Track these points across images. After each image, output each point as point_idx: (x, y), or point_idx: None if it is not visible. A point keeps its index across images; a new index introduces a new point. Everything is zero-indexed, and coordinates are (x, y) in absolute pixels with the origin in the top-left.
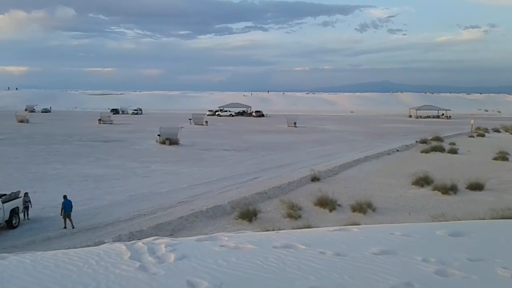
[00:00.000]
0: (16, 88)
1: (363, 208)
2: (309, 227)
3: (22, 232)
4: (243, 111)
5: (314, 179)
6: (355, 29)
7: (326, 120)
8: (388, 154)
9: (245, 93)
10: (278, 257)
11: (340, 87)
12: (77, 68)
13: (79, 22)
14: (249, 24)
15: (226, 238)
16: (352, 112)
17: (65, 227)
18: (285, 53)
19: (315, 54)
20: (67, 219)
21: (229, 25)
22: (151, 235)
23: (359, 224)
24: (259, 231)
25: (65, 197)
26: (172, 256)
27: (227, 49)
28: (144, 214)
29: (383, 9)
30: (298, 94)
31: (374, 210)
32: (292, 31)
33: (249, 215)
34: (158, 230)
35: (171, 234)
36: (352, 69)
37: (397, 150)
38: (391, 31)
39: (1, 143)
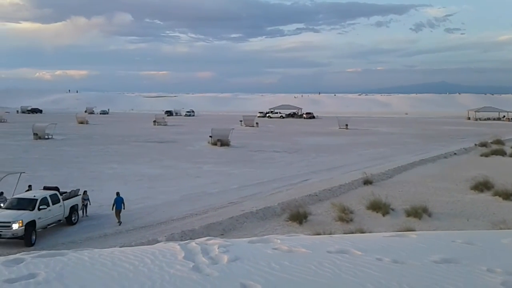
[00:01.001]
0: (77, 91)
1: (418, 213)
2: (362, 231)
3: (80, 228)
4: (294, 113)
5: (367, 182)
6: (410, 29)
7: (379, 122)
8: (445, 157)
9: (296, 95)
10: (332, 262)
11: (394, 88)
12: (133, 72)
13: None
14: (301, 25)
15: (279, 241)
16: (406, 114)
17: (119, 222)
18: (337, 54)
19: (368, 55)
20: (118, 214)
21: (281, 27)
22: (202, 235)
23: (414, 230)
24: (310, 234)
25: (117, 194)
26: (225, 258)
27: (278, 51)
28: (196, 214)
29: (440, 8)
30: (350, 95)
31: (430, 215)
32: (344, 32)
33: (299, 217)
34: (209, 229)
35: (221, 234)
36: (407, 69)
37: (455, 154)
38: (448, 30)
39: (63, 143)
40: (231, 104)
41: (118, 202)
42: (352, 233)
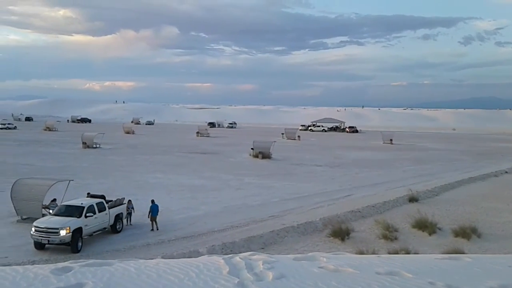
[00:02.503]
0: (123, 102)
1: (466, 233)
2: (407, 250)
3: (125, 237)
4: (336, 127)
5: (412, 199)
6: (459, 42)
7: (425, 138)
8: (495, 176)
9: (339, 108)
10: (382, 284)
11: (440, 103)
12: (178, 84)
13: (181, 40)
14: (345, 38)
15: (325, 259)
16: (454, 129)
17: (152, 229)
18: (382, 68)
19: (414, 69)
20: (154, 222)
21: (324, 40)
22: (242, 247)
23: (462, 251)
24: (353, 251)
25: (152, 201)
26: (270, 275)
27: (321, 64)
28: (237, 226)
29: (490, 21)
30: (395, 109)
31: (479, 236)
32: (389, 45)
33: (341, 234)
34: (250, 242)
35: (262, 248)
36: (454, 84)
37: (506, 172)
38: (499, 44)
39: (110, 152)
40: (273, 117)
41: (154, 210)
42: (397, 252)
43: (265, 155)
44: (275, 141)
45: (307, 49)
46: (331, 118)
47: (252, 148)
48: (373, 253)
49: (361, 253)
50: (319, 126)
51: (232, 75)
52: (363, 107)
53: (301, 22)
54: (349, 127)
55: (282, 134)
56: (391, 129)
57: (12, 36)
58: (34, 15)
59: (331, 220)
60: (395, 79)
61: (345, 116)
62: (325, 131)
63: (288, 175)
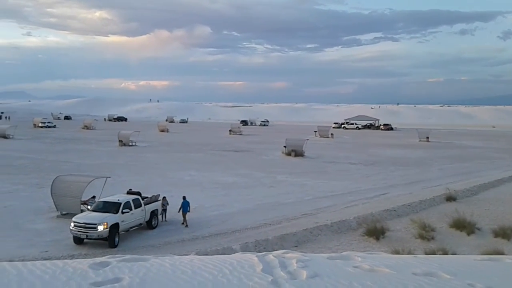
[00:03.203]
0: (157, 100)
1: (507, 233)
2: (444, 251)
3: (160, 232)
4: (370, 124)
5: (450, 198)
6: (498, 37)
7: (463, 135)
8: None
9: (373, 106)
10: (419, 285)
11: (479, 100)
12: (211, 82)
13: (214, 39)
14: (379, 34)
15: (360, 258)
16: (493, 126)
17: (184, 224)
18: (417, 64)
19: (451, 65)
20: (184, 218)
21: (358, 37)
22: (276, 245)
23: (502, 251)
24: (388, 251)
25: (184, 197)
26: (304, 273)
27: (355, 61)
28: (270, 224)
29: None
30: (431, 106)
31: None
32: (425, 40)
33: (376, 233)
34: (283, 240)
35: (295, 246)
36: (494, 80)
37: None
38: None
39: (145, 150)
40: (305, 114)
41: (185, 206)
42: (434, 252)
43: (298, 153)
44: (307, 139)
45: (340, 46)
46: (365, 116)
47: (284, 146)
48: (409, 253)
49: (397, 253)
50: (352, 124)
51: (264, 73)
52: (398, 104)
53: (334, 18)
54: (384, 124)
55: (315, 132)
56: (427, 126)
57: (51, 38)
58: (72, 17)
59: (366, 218)
60: (431, 76)
61: (380, 113)
62: (359, 128)
63: (321, 173)
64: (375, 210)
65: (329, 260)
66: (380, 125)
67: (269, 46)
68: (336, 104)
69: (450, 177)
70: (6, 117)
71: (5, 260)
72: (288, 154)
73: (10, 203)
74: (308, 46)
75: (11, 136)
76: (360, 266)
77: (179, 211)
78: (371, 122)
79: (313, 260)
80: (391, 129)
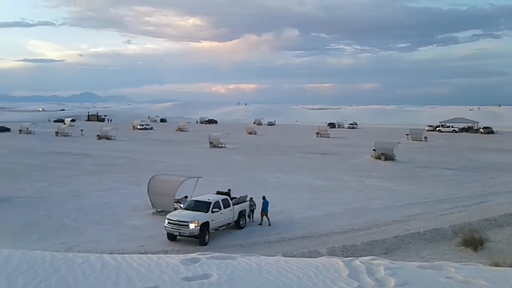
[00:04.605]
0: (245, 103)
1: None
2: None
3: (247, 233)
4: (469, 127)
5: None
6: None
7: None
8: None
9: (471, 107)
10: None
11: None
12: (298, 85)
13: (302, 42)
14: (478, 31)
15: (453, 269)
16: None
17: (264, 224)
18: None
19: None
20: (264, 217)
21: (454, 35)
22: (364, 251)
23: None
24: (487, 263)
25: (263, 197)
26: (392, 281)
27: (451, 60)
28: (358, 229)
29: None
30: None
31: None
32: None
33: (474, 243)
34: (372, 247)
35: (385, 253)
36: None
37: None
38: None
39: (234, 152)
40: (396, 117)
41: (265, 206)
42: None
43: (388, 157)
44: (399, 142)
45: (434, 45)
46: (462, 118)
47: (374, 149)
48: (511, 266)
49: (497, 265)
50: (448, 127)
51: (353, 75)
52: (499, 105)
53: (428, 16)
54: (484, 127)
55: (407, 135)
56: None
57: (148, 45)
58: (167, 25)
59: (462, 227)
60: None
61: (479, 115)
62: (456, 132)
63: (413, 178)
64: (472, 219)
65: (419, 269)
66: (480, 128)
67: (358, 47)
68: (431, 106)
69: None
70: (108, 120)
71: (106, 252)
72: (378, 157)
73: (111, 200)
74: (400, 45)
75: (113, 138)
76: (454, 277)
77: (261, 212)
78: (469, 125)
79: (402, 268)
80: (492, 132)
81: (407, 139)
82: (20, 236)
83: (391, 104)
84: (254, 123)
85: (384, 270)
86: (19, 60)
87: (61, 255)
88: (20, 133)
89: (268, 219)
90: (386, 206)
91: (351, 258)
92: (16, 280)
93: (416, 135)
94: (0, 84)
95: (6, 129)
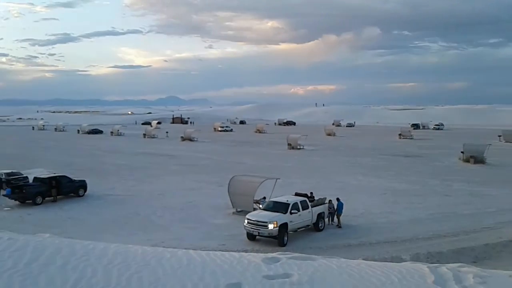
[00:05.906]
0: (323, 104)
1: None
2: None
3: (326, 235)
4: None
5: None
6: None
7: None
8: None
9: None
10: None
11: None
12: (379, 85)
13: (383, 40)
14: None
15: None
16: None
17: (339, 226)
18: None
19: None
20: (338, 219)
21: None
22: (451, 259)
23: None
24: None
25: (338, 199)
26: None
27: None
28: (444, 236)
29: None
30: None
31: None
32: None
33: None
34: (459, 254)
35: (474, 262)
36: None
37: None
38: None
39: (312, 153)
40: (487, 117)
41: (340, 208)
42: None
43: (478, 160)
44: (490, 144)
45: None
46: None
47: (462, 152)
48: None
49: None
50: None
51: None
52: None
53: None
54: None
55: (499, 136)
56: None
57: (229, 49)
58: (247, 29)
59: None
60: None
61: None
62: None
63: (507, 182)
64: None
65: (511, 279)
66: None
67: (444, 44)
68: None
69: None
70: (191, 122)
71: (191, 248)
72: (466, 160)
73: (194, 199)
74: (491, 41)
75: (195, 139)
76: None
77: (335, 214)
78: None
79: (493, 277)
80: None
81: (499, 140)
82: (110, 231)
83: (482, 103)
84: (333, 124)
85: (473, 278)
86: (111, 67)
87: (151, 249)
88: (111, 135)
89: (339, 221)
90: (475, 212)
91: (437, 264)
92: (111, 272)
93: (509, 137)
94: (94, 89)
95: (99, 131)
